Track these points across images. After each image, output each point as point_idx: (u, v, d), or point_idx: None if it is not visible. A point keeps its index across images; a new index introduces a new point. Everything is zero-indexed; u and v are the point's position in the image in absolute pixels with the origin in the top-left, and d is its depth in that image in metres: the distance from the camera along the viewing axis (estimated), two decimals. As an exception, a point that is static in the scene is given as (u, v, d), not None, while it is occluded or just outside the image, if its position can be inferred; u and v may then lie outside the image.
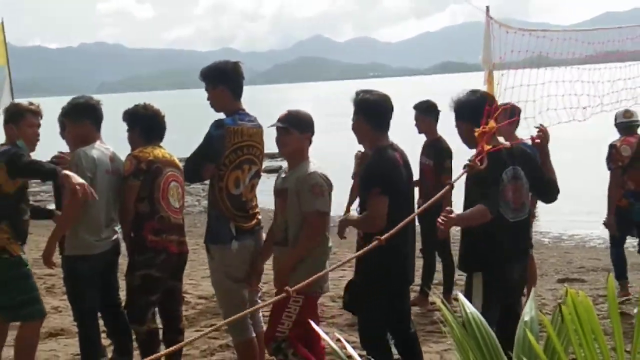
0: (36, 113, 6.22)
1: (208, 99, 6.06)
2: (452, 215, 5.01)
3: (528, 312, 2.64)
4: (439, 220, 4.98)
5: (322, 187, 5.47)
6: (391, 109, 5.66)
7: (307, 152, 5.67)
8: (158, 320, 6.46)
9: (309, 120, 5.70)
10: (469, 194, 5.27)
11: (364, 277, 5.65)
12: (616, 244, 9.08)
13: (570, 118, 6.29)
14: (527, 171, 5.41)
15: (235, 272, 5.89)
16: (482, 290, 5.29)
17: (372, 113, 5.60)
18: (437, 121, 8.74)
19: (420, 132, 8.81)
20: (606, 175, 8.77)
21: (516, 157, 5.38)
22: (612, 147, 8.64)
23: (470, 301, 5.24)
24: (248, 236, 5.88)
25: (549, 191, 5.59)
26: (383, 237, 3.99)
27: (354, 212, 6.16)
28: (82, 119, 6.32)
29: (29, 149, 6.14)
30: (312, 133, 5.68)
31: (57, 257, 6.40)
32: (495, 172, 5.15)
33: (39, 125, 6.26)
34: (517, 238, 5.44)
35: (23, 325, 6.23)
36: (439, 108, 8.69)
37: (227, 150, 5.82)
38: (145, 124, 6.32)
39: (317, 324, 5.48)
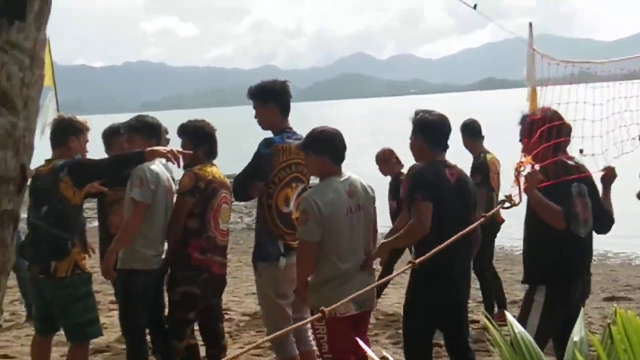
0: (88, 130, 6.36)
1: (256, 117, 6.13)
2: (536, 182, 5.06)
3: (577, 332, 2.61)
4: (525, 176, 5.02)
5: (306, 213, 5.27)
6: (449, 128, 5.67)
7: (328, 172, 5.45)
8: (198, 336, 6.49)
9: (326, 140, 5.48)
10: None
11: (411, 289, 5.65)
12: None
13: (619, 153, 6.20)
14: (589, 192, 5.48)
15: (282, 289, 5.91)
16: (543, 304, 5.29)
17: (430, 132, 5.61)
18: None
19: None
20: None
21: (580, 172, 5.46)
22: None
23: (528, 314, 5.26)
24: (294, 253, 5.88)
25: (605, 220, 5.62)
26: (417, 261, 3.99)
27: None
28: (150, 137, 6.36)
29: None
30: (331, 153, 5.44)
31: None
32: (565, 183, 5.24)
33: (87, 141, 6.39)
34: (584, 254, 5.51)
35: (78, 344, 6.21)
36: (483, 124, 8.74)
37: (276, 169, 5.88)
38: (207, 142, 6.32)
39: (367, 344, 5.50)
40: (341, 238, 5.34)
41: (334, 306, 3.42)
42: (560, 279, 5.37)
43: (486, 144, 8.99)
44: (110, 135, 7.30)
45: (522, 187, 5.04)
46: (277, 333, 3.50)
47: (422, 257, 3.97)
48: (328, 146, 5.44)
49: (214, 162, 6.41)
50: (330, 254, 5.34)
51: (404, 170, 8.72)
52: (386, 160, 9.28)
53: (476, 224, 4.62)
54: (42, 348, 6.49)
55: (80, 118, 6.43)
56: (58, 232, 5.91)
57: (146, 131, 6.41)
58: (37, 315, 6.49)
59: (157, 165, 6.27)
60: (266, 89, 6.09)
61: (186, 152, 6.06)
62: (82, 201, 6.15)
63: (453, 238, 4.34)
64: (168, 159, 5.92)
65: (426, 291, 5.51)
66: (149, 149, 5.86)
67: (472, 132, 8.81)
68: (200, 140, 6.32)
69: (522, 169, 5.19)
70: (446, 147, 5.69)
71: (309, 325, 5.92)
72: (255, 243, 6.12)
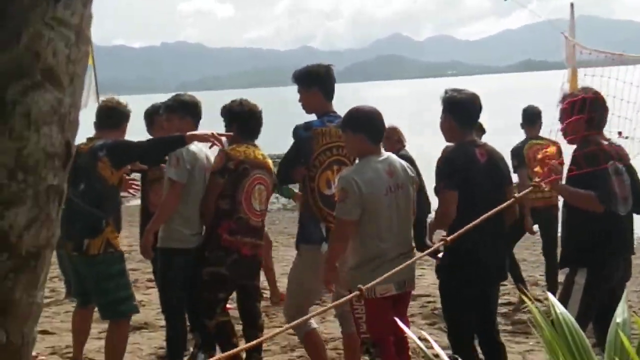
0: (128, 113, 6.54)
1: (300, 101, 6.15)
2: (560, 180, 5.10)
3: (620, 314, 2.59)
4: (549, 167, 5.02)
5: (346, 191, 5.22)
6: (480, 108, 5.62)
7: (366, 151, 5.39)
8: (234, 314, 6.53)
9: (363, 118, 5.44)
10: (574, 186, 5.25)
11: (440, 274, 5.65)
12: None
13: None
14: (627, 170, 5.44)
15: (318, 273, 5.91)
16: (583, 286, 5.26)
17: (460, 112, 5.56)
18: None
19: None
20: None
21: (614, 154, 5.40)
22: None
23: (568, 299, 5.23)
24: None
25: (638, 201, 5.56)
26: (449, 238, 3.97)
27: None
28: (185, 115, 6.44)
29: None
30: (368, 132, 5.38)
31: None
32: (597, 172, 5.20)
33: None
34: (625, 232, 5.47)
35: (117, 322, 6.29)
36: (522, 105, 8.72)
37: (317, 152, 5.89)
38: (241, 121, 6.30)
39: (407, 323, 5.50)
40: (380, 217, 5.29)
41: (372, 283, 3.41)
42: (602, 260, 5.33)
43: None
44: (152, 115, 7.36)
45: (548, 177, 5.05)
46: (315, 313, 3.49)
47: (455, 234, 3.96)
48: (365, 124, 5.39)
49: (256, 142, 6.40)
50: (370, 234, 5.30)
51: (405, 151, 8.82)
52: (388, 138, 9.27)
53: (505, 204, 4.60)
54: (82, 319, 6.60)
55: (121, 100, 6.51)
56: (93, 211, 5.98)
57: (181, 110, 6.46)
58: (76, 291, 6.60)
59: (195, 145, 6.29)
60: (310, 73, 6.11)
61: (227, 134, 6.08)
62: (119, 181, 6.22)
63: (482, 217, 4.33)
64: (209, 143, 6.01)
65: (455, 274, 5.49)
66: (189, 133, 5.92)
67: (525, 118, 8.84)
68: (233, 119, 6.33)
69: (547, 158, 5.19)
70: (474, 126, 5.67)
71: None
72: (299, 226, 6.13)
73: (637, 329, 2.30)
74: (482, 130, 8.60)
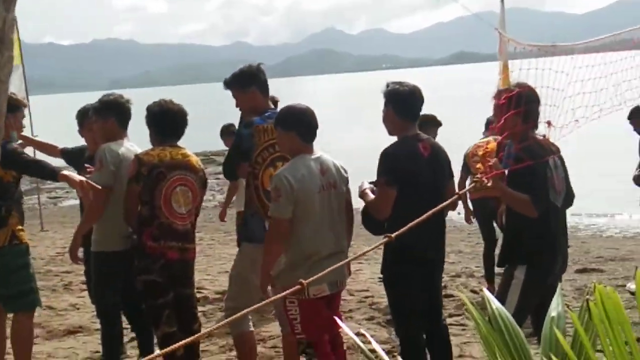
0: (25, 106, 6.48)
1: (237, 105, 6.15)
2: (500, 180, 5.14)
3: (555, 307, 2.61)
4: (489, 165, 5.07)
5: (278, 190, 5.19)
6: (421, 100, 5.62)
7: (298, 149, 5.37)
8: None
9: (294, 116, 5.41)
10: (513, 185, 5.28)
11: (384, 267, 5.65)
12: None
13: (594, 115, 6.22)
14: (562, 164, 5.53)
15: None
16: (523, 281, 5.28)
17: (402, 104, 5.55)
18: None
19: None
20: (616, 165, 8.87)
21: (552, 149, 5.49)
22: None
23: (506, 295, 5.27)
24: None
25: (570, 194, 5.64)
26: (393, 235, 3.97)
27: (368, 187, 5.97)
28: (108, 115, 6.34)
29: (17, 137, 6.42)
30: (299, 129, 5.35)
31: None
32: (538, 166, 5.24)
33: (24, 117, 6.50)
34: (562, 228, 5.53)
35: (19, 316, 6.18)
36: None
37: (259, 149, 5.85)
38: (158, 123, 6.13)
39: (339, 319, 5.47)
40: (313, 216, 5.28)
41: (310, 280, 3.38)
42: (544, 255, 5.37)
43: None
44: (82, 116, 7.22)
45: (488, 173, 5.10)
46: (250, 309, 3.43)
47: (398, 231, 3.95)
48: (296, 122, 5.36)
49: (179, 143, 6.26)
50: (303, 233, 5.28)
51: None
52: None
53: (447, 202, 4.62)
54: None
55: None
56: None
57: (104, 111, 6.38)
58: None
59: (121, 145, 6.23)
60: (245, 74, 6.09)
61: (96, 186, 5.88)
62: (14, 178, 6.14)
63: (428, 214, 4.33)
64: (76, 188, 6.04)
65: (399, 269, 5.51)
66: (62, 172, 5.87)
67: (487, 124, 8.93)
68: (149, 121, 6.17)
69: (487, 154, 5.24)
70: (416, 118, 5.64)
71: None
72: (243, 224, 6.10)
73: (572, 322, 2.31)
74: (436, 124, 8.65)
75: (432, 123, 8.40)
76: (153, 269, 5.91)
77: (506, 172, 5.26)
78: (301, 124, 5.37)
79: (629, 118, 8.95)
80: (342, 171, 5.54)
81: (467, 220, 9.16)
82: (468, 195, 8.63)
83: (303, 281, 3.25)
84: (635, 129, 9.04)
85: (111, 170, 6.05)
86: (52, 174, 5.94)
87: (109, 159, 6.07)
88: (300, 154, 5.35)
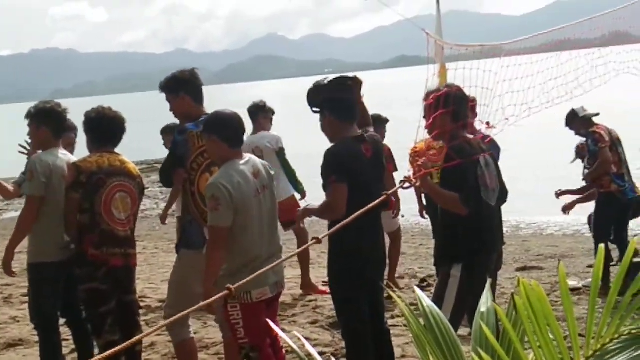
0: None
1: (171, 110, 6.12)
2: (427, 177, 5.20)
3: (484, 302, 2.64)
4: (418, 164, 5.10)
5: (217, 198, 5.13)
6: (354, 99, 5.64)
7: (227, 156, 5.34)
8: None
9: (220, 122, 5.38)
10: (444, 184, 5.33)
11: (328, 271, 5.66)
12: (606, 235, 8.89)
13: (525, 113, 6.31)
14: (494, 162, 5.60)
15: (200, 277, 5.84)
16: (459, 280, 5.33)
17: (337, 107, 5.57)
18: None
19: None
20: (557, 162, 9.03)
21: (482, 147, 5.54)
22: (592, 132, 8.75)
23: (444, 294, 5.31)
24: None
25: (504, 190, 5.72)
26: (321, 237, 3.99)
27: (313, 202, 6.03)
28: (40, 124, 6.26)
29: None
30: (226, 136, 5.31)
31: (15, 266, 6.31)
32: (468, 165, 5.28)
33: None
34: (496, 226, 5.59)
35: None
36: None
37: (193, 155, 5.84)
38: (95, 129, 6.09)
39: (277, 324, 5.47)
40: (252, 220, 5.28)
41: (240, 283, 3.38)
42: (479, 252, 5.42)
43: (396, 120, 9.20)
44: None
45: (417, 173, 5.14)
46: (181, 314, 3.40)
47: (326, 233, 3.98)
48: (222, 128, 5.34)
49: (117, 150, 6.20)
50: (244, 239, 5.27)
51: None
52: None
53: (375, 202, 4.65)
54: None
55: None
56: None
57: (35, 119, 6.30)
58: None
59: (54, 155, 6.17)
60: (175, 79, 6.08)
61: None
62: None
63: (360, 212, 4.36)
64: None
65: (340, 269, 5.54)
66: None
67: None
68: (86, 128, 6.13)
69: (415, 154, 5.29)
70: (354, 118, 5.62)
71: None
72: (181, 231, 6.09)
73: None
74: (383, 122, 8.73)
75: (379, 121, 8.50)
76: (96, 277, 5.86)
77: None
78: (227, 130, 5.34)
79: (567, 125, 9.07)
80: (269, 169, 5.57)
81: (420, 214, 9.19)
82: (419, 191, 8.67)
83: (231, 286, 3.24)
84: (577, 133, 9.15)
85: (42, 181, 5.99)
86: None
87: (39, 169, 6.01)
88: (230, 160, 5.32)
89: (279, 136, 9.20)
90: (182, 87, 6.03)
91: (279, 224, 5.66)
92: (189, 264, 5.90)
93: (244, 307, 5.26)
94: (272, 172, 5.59)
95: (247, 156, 5.46)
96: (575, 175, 9.63)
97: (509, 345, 2.42)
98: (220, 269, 5.31)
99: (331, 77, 5.74)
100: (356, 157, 5.46)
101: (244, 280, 3.46)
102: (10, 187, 7.07)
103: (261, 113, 9.31)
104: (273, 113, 9.46)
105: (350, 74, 5.78)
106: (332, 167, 5.41)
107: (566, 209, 9.38)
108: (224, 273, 5.28)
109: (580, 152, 9.41)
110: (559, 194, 9.60)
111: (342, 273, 5.53)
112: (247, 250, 5.28)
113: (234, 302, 5.24)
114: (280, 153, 9.05)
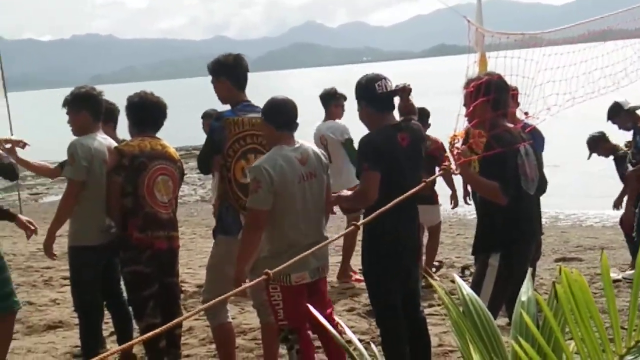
0: None
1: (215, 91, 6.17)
2: (467, 165, 5.23)
3: (525, 292, 2.63)
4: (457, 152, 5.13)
5: (258, 181, 5.25)
6: (392, 88, 5.63)
7: (278, 140, 5.44)
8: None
9: (274, 108, 5.50)
10: (484, 172, 5.31)
11: (362, 258, 5.68)
12: None
13: (568, 103, 6.24)
14: (534, 152, 5.55)
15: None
16: (497, 270, 5.32)
17: (373, 96, 5.56)
18: None
19: None
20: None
21: (522, 136, 5.51)
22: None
23: (482, 283, 5.30)
24: None
25: (543, 180, 5.68)
26: (359, 223, 4.02)
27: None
28: (79, 109, 6.33)
29: None
30: (278, 121, 5.43)
31: (55, 249, 6.38)
32: (509, 153, 5.26)
33: None
34: (535, 215, 5.57)
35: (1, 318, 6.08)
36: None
37: (230, 141, 5.87)
38: (137, 114, 6.19)
39: (324, 309, 5.52)
40: (293, 206, 5.33)
41: (279, 267, 3.42)
42: (517, 242, 5.40)
43: (432, 109, 9.17)
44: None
45: (456, 161, 5.13)
46: (219, 298, 3.44)
47: (365, 220, 4.00)
48: (275, 114, 5.44)
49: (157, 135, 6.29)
50: (284, 223, 5.33)
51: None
52: None
53: (414, 190, 4.66)
54: None
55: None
56: None
57: (73, 104, 6.39)
58: None
59: (94, 139, 6.24)
60: (218, 63, 6.11)
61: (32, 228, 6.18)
62: None
63: (395, 200, 4.38)
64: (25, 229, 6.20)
65: (375, 256, 5.55)
66: (18, 217, 6.17)
67: None
68: (127, 113, 6.24)
69: (455, 141, 5.27)
70: (390, 107, 5.65)
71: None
72: (217, 217, 6.11)
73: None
74: (425, 115, 8.65)
75: (421, 114, 8.44)
76: (140, 260, 5.95)
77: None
78: (280, 115, 5.43)
79: (609, 119, 8.89)
80: (323, 157, 5.61)
81: (464, 199, 9.15)
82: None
83: (269, 271, 3.28)
84: (621, 127, 8.93)
85: (83, 165, 6.07)
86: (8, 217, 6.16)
87: (80, 154, 6.10)
88: (279, 145, 5.39)
89: (346, 126, 9.19)
90: (223, 71, 6.05)
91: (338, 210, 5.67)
92: (225, 249, 5.94)
93: (283, 289, 5.34)
94: (326, 161, 5.63)
95: (299, 142, 5.52)
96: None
97: (549, 334, 2.41)
98: (260, 251, 5.40)
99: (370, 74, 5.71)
100: (390, 145, 5.47)
101: (283, 266, 3.49)
102: (51, 166, 7.20)
103: (332, 100, 9.31)
104: (345, 99, 9.35)
105: (401, 84, 5.76)
106: (365, 154, 5.45)
107: (617, 204, 9.08)
108: (266, 254, 5.38)
109: (593, 147, 9.18)
110: (616, 204, 9.16)
111: (377, 259, 5.55)
112: (287, 235, 5.35)
113: (275, 284, 5.33)
114: (347, 143, 9.04)
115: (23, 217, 6.22)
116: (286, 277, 5.31)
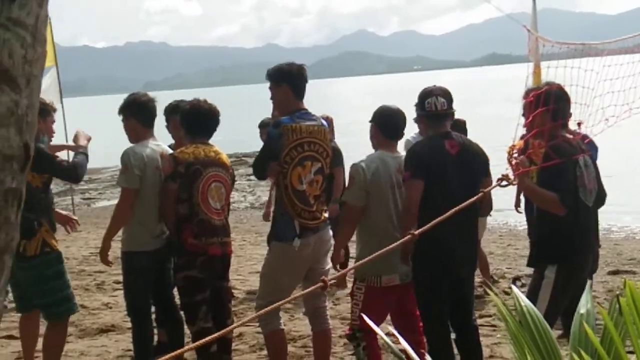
0: (55, 111, 6.44)
1: (271, 98, 6.21)
2: (525, 176, 5.25)
3: (584, 304, 2.60)
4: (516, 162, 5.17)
5: (352, 177, 5.69)
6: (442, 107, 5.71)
7: (379, 144, 5.85)
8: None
9: (382, 114, 5.88)
10: (542, 183, 5.27)
11: (414, 266, 5.65)
12: None
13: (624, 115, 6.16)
14: (593, 163, 5.52)
15: (292, 269, 5.94)
16: (554, 280, 5.25)
17: (384, 123, 5.87)
18: None
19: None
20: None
21: (582, 147, 5.48)
22: None
23: (537, 295, 5.24)
24: (311, 234, 5.88)
25: (602, 192, 5.59)
26: (417, 232, 4.06)
27: None
28: (129, 115, 6.41)
29: (49, 142, 6.32)
30: (382, 127, 5.83)
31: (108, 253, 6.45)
32: (568, 164, 5.22)
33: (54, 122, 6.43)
34: (593, 227, 5.54)
35: (54, 324, 6.18)
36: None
37: (287, 148, 5.88)
38: (189, 121, 6.29)
39: (396, 316, 5.85)
40: (388, 207, 5.63)
41: (338, 274, 3.42)
42: (572, 256, 5.32)
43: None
44: (168, 113, 7.26)
45: (514, 171, 5.10)
46: (272, 307, 3.47)
47: (422, 229, 3.99)
48: (386, 122, 5.80)
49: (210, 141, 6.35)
50: (381, 222, 5.63)
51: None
52: None
53: (472, 200, 4.65)
54: (27, 324, 6.46)
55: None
56: (24, 213, 5.91)
57: (124, 111, 6.46)
58: (15, 296, 6.43)
59: (146, 146, 6.28)
60: (281, 70, 6.16)
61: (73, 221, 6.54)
62: (44, 184, 6.09)
63: (448, 213, 4.37)
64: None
65: (426, 267, 5.55)
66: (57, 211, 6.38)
67: None
68: (181, 119, 6.38)
69: (514, 152, 5.23)
70: (444, 119, 5.71)
71: (327, 305, 6.30)
72: (272, 223, 6.15)
73: (602, 319, 2.31)
74: (462, 128, 8.53)
75: (457, 125, 8.32)
76: (194, 265, 6.05)
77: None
78: (384, 122, 5.83)
79: None
80: None
81: (515, 207, 9.05)
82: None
83: (325, 279, 3.33)
84: None
85: (136, 174, 6.12)
86: (73, 172, 6.08)
87: (133, 162, 6.14)
88: (380, 150, 5.78)
89: None
90: (286, 78, 6.08)
91: None
92: (279, 256, 5.97)
93: (368, 289, 5.62)
94: None
95: (401, 153, 5.88)
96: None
97: (609, 347, 2.39)
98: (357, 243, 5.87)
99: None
100: (437, 154, 5.51)
101: (366, 259, 3.50)
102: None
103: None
104: None
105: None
106: (408, 164, 5.55)
107: None
108: (359, 255, 5.69)
109: None
110: None
111: (428, 270, 5.55)
112: (387, 233, 5.55)
113: (361, 284, 5.67)
114: None
115: (62, 212, 6.43)
116: (377, 278, 5.63)
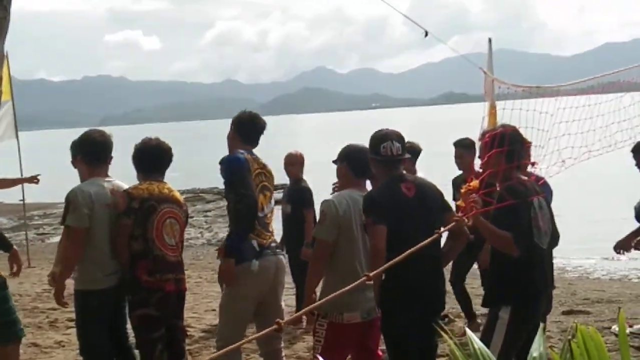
0: None
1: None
2: (480, 215, 5.21)
3: (537, 347, 2.61)
4: (471, 202, 5.12)
5: (324, 213, 5.63)
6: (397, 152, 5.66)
7: (348, 183, 5.84)
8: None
9: (348, 152, 5.85)
10: (496, 224, 5.27)
11: (380, 309, 5.61)
12: None
13: (583, 157, 6.25)
14: (547, 205, 5.58)
15: (252, 291, 6.05)
16: (507, 321, 5.26)
17: (355, 164, 5.81)
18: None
19: (461, 169, 8.75)
20: (603, 204, 8.86)
21: (536, 189, 5.54)
22: None
23: (491, 336, 5.24)
24: (269, 253, 6.06)
25: (555, 233, 5.65)
26: (371, 274, 4.03)
27: None
28: (76, 155, 6.46)
29: None
30: (351, 165, 5.80)
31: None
32: (521, 206, 5.26)
33: None
34: (547, 268, 5.55)
35: (7, 348, 6.11)
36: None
37: (253, 174, 6.10)
38: (141, 159, 6.33)
39: (356, 352, 5.79)
40: (356, 246, 5.62)
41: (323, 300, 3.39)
42: (528, 296, 5.34)
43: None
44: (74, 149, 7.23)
45: (470, 211, 5.11)
46: (231, 347, 3.44)
47: (375, 271, 4.00)
48: (350, 159, 5.79)
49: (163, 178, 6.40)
50: (348, 260, 5.61)
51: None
52: (296, 164, 9.44)
53: (427, 241, 4.63)
54: None
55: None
56: None
57: (72, 150, 6.56)
58: None
59: (94, 184, 6.24)
60: (235, 118, 6.41)
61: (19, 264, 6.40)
62: None
63: (405, 254, 4.35)
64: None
65: (395, 309, 5.42)
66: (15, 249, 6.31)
67: None
68: (134, 158, 6.37)
69: (469, 192, 5.25)
70: (398, 163, 5.58)
71: (282, 346, 6.41)
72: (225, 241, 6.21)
73: (553, 363, 2.32)
74: (415, 153, 8.35)
75: (412, 151, 8.15)
76: (150, 303, 6.02)
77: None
78: (353, 160, 5.80)
79: (633, 151, 8.72)
80: None
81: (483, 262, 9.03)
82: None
83: (280, 320, 3.29)
84: (637, 164, 8.78)
85: (85, 212, 6.07)
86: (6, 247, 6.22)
87: (80, 200, 6.11)
88: (350, 188, 5.77)
89: None
90: (235, 127, 6.35)
91: None
92: (241, 280, 6.01)
93: (331, 325, 5.57)
94: None
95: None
96: (621, 218, 9.35)
97: (562, 391, 2.39)
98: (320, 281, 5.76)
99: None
100: (395, 198, 5.43)
101: (324, 300, 3.48)
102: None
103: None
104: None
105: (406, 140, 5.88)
106: (367, 209, 5.46)
107: (620, 247, 8.30)
108: (324, 290, 5.65)
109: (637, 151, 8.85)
110: (618, 247, 8.38)
111: (394, 311, 5.47)
112: (354, 269, 5.55)
113: (324, 320, 5.62)
114: None
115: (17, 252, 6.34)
116: (339, 315, 5.58)
